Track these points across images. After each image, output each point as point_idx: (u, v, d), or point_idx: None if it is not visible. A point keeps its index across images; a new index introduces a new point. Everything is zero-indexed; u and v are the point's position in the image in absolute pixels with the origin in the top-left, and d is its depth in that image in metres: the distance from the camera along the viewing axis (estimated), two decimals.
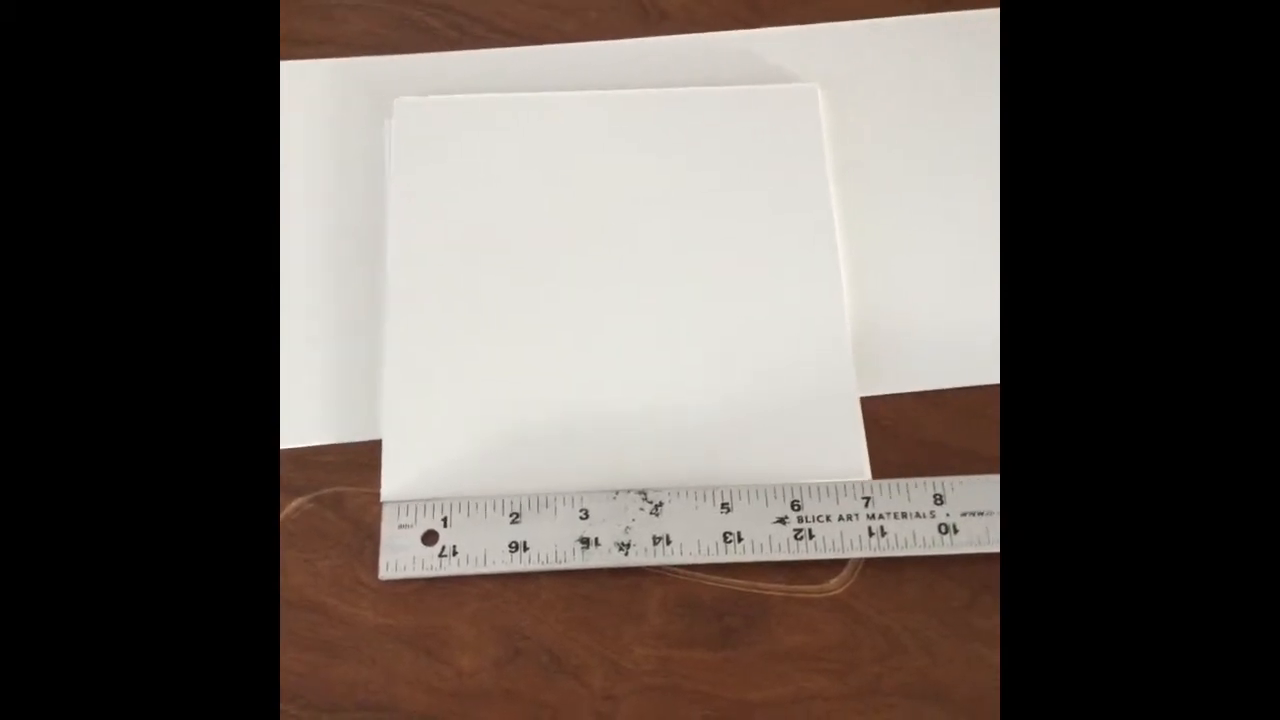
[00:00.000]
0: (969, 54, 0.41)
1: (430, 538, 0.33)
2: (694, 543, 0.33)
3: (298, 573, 0.33)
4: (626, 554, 0.33)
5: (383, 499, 0.33)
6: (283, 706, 0.31)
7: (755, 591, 0.33)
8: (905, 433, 0.35)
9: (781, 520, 0.33)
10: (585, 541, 0.33)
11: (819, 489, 0.33)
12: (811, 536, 0.33)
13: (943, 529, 0.33)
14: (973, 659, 0.32)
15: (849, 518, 0.33)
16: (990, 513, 0.33)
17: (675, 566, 0.33)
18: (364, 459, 0.34)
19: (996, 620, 0.33)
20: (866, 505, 0.33)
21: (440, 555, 0.33)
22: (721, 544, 0.33)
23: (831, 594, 0.33)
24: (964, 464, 0.34)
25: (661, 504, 0.33)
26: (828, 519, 0.33)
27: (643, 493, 0.33)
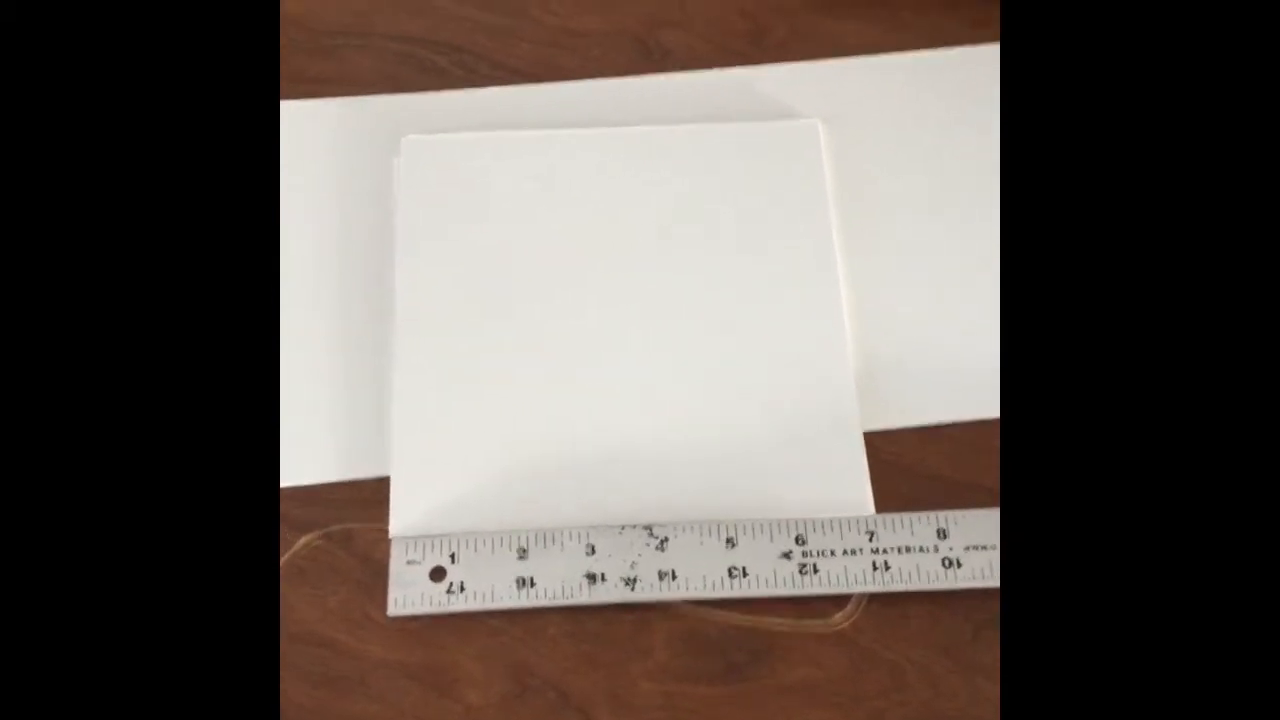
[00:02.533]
0: (969, 89, 0.42)
1: (438, 574, 0.33)
2: (699, 577, 0.33)
3: (307, 608, 0.33)
4: (633, 589, 0.33)
5: (391, 535, 0.34)
6: None
7: (760, 626, 0.33)
8: (909, 467, 0.35)
9: (786, 555, 0.33)
10: (592, 577, 0.33)
11: (823, 524, 0.34)
12: (816, 571, 0.33)
13: (946, 563, 0.33)
14: (976, 693, 0.32)
15: (853, 552, 0.33)
16: (994, 547, 0.33)
17: (681, 601, 0.33)
18: (373, 496, 0.35)
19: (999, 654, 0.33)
20: (871, 540, 0.34)
21: (448, 591, 0.33)
22: (727, 579, 0.33)
23: (836, 628, 0.33)
24: (967, 498, 0.35)
25: (667, 539, 0.33)
26: (832, 553, 0.33)
27: (648, 528, 0.34)
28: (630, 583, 0.33)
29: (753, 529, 0.34)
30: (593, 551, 0.33)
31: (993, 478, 0.35)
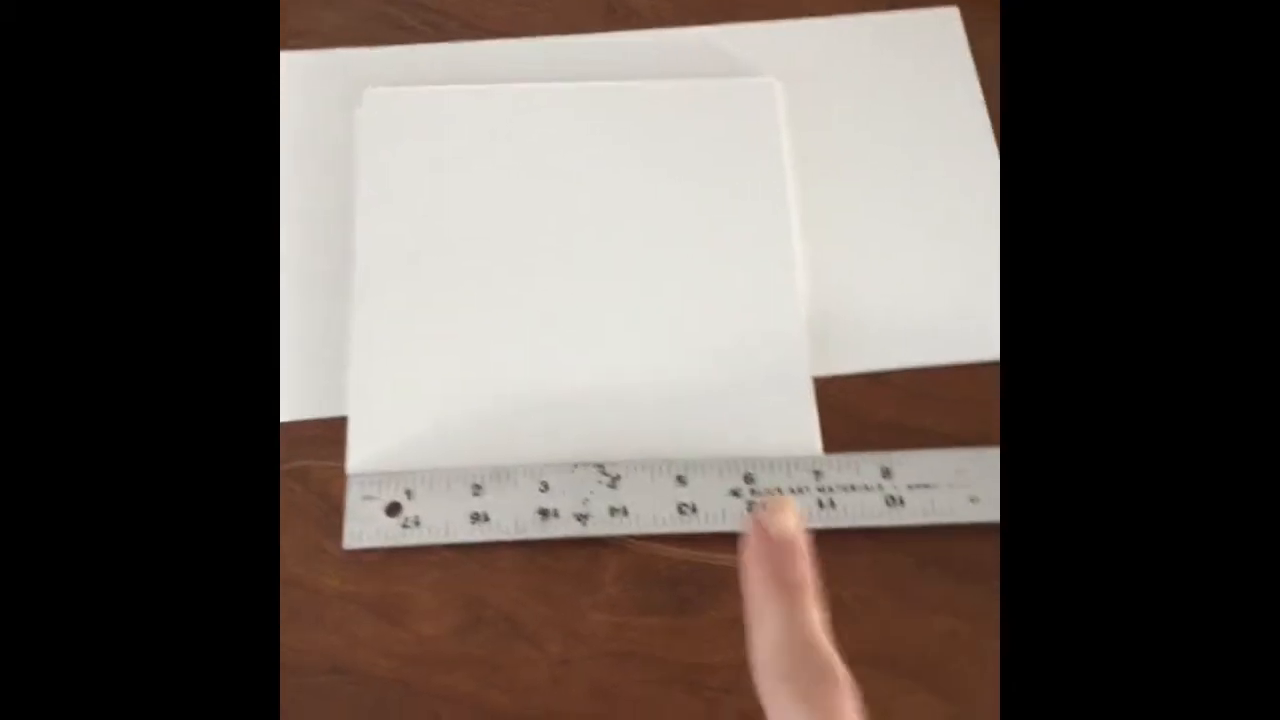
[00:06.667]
0: (926, 51, 0.43)
1: (394, 509, 0.34)
2: (650, 514, 0.34)
3: None
4: (585, 525, 0.34)
5: (348, 472, 0.34)
6: None
7: (709, 561, 0.34)
8: (856, 411, 0.36)
9: (735, 493, 0.34)
10: (544, 513, 0.34)
11: (771, 463, 0.35)
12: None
13: (890, 501, 0.34)
14: (920, 627, 0.33)
15: (800, 490, 0.34)
16: (935, 485, 0.34)
17: (632, 537, 0.34)
18: (330, 434, 0.35)
19: (942, 589, 0.34)
20: (817, 478, 0.34)
21: (403, 526, 0.34)
22: (677, 515, 0.34)
23: None
24: (912, 441, 0.35)
25: (619, 476, 0.34)
26: (779, 491, 0.34)
27: (600, 466, 0.34)
28: (582, 518, 0.34)
29: (702, 467, 0.34)
30: (546, 488, 0.34)
31: (937, 421, 0.36)
